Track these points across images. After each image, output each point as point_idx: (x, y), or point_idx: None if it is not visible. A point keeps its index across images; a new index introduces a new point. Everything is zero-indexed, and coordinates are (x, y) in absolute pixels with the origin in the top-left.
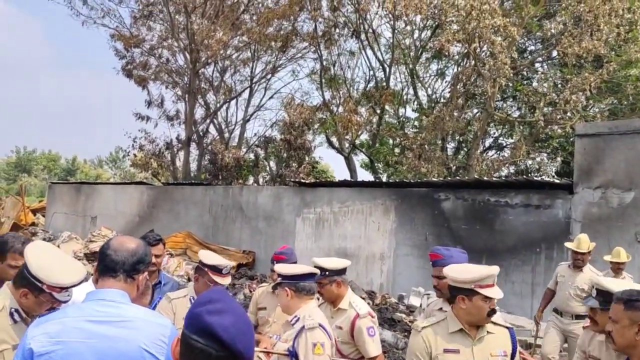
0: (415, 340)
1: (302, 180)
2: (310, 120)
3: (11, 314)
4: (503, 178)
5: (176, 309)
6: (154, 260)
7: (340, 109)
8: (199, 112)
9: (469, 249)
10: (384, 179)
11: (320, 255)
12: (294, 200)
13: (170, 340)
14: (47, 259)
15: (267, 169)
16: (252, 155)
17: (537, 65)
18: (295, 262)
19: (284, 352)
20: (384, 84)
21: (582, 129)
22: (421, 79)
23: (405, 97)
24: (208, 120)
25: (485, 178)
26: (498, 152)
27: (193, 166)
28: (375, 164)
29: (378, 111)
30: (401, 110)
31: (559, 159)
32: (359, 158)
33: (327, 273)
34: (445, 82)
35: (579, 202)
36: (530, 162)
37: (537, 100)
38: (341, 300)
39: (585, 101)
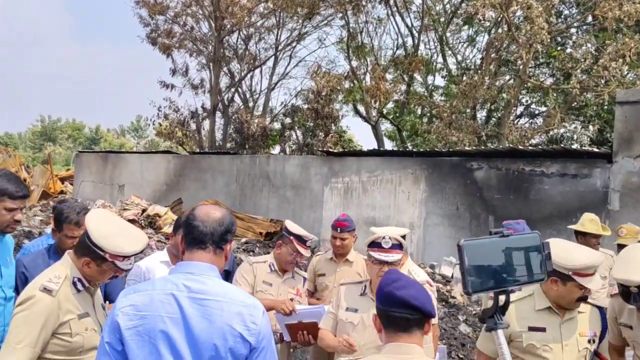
0: None
1: (330, 150)
2: (338, 88)
3: (74, 283)
4: (539, 147)
5: (256, 272)
6: None
7: (368, 76)
8: (224, 81)
9: (502, 218)
10: (411, 149)
11: None
12: (322, 169)
13: (262, 321)
14: (109, 227)
15: (294, 138)
16: (278, 125)
17: (572, 30)
18: (354, 229)
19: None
20: (413, 51)
21: (624, 96)
22: (451, 45)
23: (434, 65)
24: (233, 89)
25: (520, 147)
26: (530, 120)
27: (218, 135)
28: (402, 134)
29: (406, 79)
30: (430, 79)
31: (591, 127)
32: (384, 128)
33: None
34: (477, 48)
35: (618, 172)
36: (563, 130)
37: (573, 66)
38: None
39: (625, 68)
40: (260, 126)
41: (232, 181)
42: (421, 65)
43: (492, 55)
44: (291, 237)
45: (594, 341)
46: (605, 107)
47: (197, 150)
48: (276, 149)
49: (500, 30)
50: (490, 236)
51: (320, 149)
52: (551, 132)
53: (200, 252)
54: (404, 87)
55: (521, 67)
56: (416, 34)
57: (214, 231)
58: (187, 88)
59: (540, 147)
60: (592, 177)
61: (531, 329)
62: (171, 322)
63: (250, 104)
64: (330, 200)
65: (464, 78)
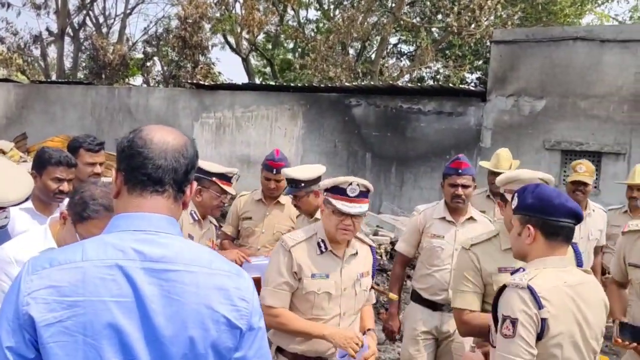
0: (464, 259)
1: (200, 82)
2: (208, 15)
3: None
4: (418, 85)
5: (182, 223)
6: (97, 170)
7: (238, 5)
8: (72, 2)
9: (380, 156)
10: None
11: (222, 162)
12: (191, 103)
13: (254, 297)
14: None
15: (159, 68)
16: (139, 54)
17: None
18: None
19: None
20: None
21: (500, 36)
22: None
23: None
24: (84, 12)
25: (399, 84)
26: (398, 59)
27: (67, 63)
28: (275, 68)
29: (280, 10)
30: (302, 12)
31: (452, 66)
32: (254, 63)
33: (302, 184)
34: None
35: (491, 110)
36: (427, 70)
37: (446, 5)
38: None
39: (500, 8)
40: (118, 54)
41: (86, 115)
42: None
43: None
44: (213, 179)
45: None
46: (472, 48)
47: (43, 79)
48: (138, 81)
49: None
50: None
51: (189, 82)
52: (415, 73)
53: (156, 198)
54: (276, 19)
55: (395, 4)
56: None
57: (178, 166)
58: (27, 7)
59: (419, 84)
60: (466, 115)
61: (500, 270)
62: (120, 310)
63: (105, 30)
64: (200, 136)
65: (337, 12)
